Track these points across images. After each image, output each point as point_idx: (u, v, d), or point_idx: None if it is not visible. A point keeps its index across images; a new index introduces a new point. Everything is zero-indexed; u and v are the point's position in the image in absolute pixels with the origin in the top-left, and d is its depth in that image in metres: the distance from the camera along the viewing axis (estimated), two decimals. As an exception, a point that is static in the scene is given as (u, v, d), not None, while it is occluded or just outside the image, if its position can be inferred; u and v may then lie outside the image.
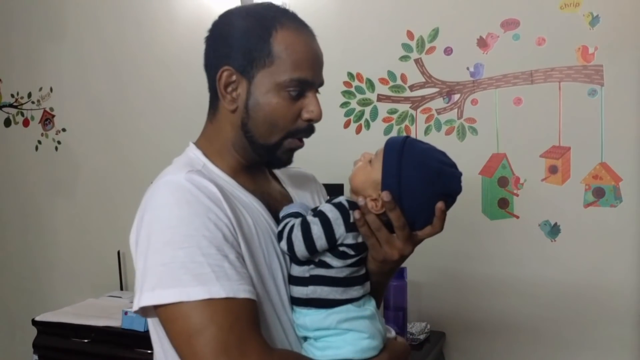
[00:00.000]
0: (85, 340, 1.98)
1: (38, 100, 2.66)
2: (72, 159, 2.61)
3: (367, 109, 2.06)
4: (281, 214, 0.96)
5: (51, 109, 2.64)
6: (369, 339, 0.90)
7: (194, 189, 0.85)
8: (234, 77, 0.93)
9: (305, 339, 0.94)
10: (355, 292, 0.92)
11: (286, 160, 0.98)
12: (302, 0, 2.12)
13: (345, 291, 0.91)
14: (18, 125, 2.71)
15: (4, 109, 2.74)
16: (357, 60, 2.07)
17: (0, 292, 2.79)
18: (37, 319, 2.07)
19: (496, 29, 1.88)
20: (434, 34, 1.96)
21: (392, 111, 2.02)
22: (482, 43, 1.90)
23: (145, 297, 0.83)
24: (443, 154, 0.94)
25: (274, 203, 0.99)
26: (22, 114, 2.70)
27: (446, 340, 1.95)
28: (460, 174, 0.93)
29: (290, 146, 0.95)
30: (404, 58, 2.00)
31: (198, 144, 1.00)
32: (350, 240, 0.90)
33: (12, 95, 2.71)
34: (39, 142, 2.67)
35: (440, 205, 0.89)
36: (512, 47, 1.86)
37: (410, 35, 1.99)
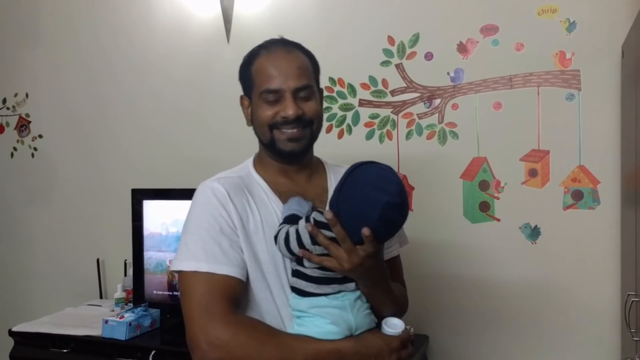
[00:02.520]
0: (65, 351, 1.94)
1: (13, 106, 2.62)
2: (48, 166, 2.57)
3: (349, 114, 2.07)
4: (281, 214, 1.15)
5: (27, 115, 2.60)
6: (332, 325, 1.06)
7: (210, 193, 1.15)
8: (246, 101, 1.24)
9: (296, 317, 1.12)
10: (330, 289, 1.07)
11: (290, 150, 1.18)
12: (285, 7, 2.12)
13: (319, 287, 1.07)
14: (-7, 131, 2.66)
15: (-23, 115, 2.69)
16: (338, 65, 2.07)
17: (-26, 302, 2.72)
18: (14, 329, 2.02)
19: (476, 35, 1.90)
20: (415, 39, 1.97)
21: (374, 116, 2.03)
22: (462, 48, 1.92)
23: (172, 264, 1.15)
24: (391, 182, 1.01)
25: (307, 197, 1.20)
26: (-3, 120, 2.65)
27: (429, 343, 1.96)
28: (398, 203, 1.00)
29: (281, 137, 1.17)
30: (385, 63, 2.01)
31: (256, 153, 1.28)
32: (318, 251, 1.06)
33: (-13, 101, 2.66)
34: (15, 148, 2.63)
35: (364, 230, 1.00)
36: (492, 53, 1.89)
37: (391, 40, 2.00)
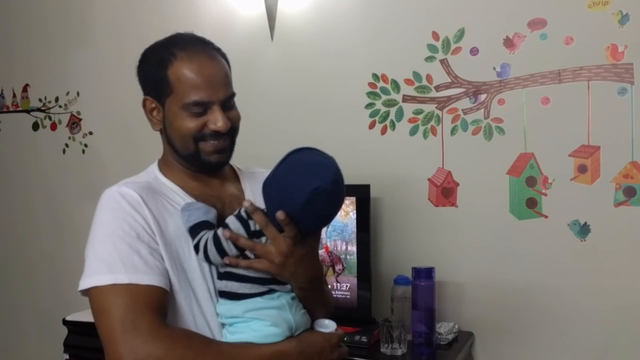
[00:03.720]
0: (115, 340, 2.00)
1: (65, 104, 2.71)
2: (98, 162, 2.65)
3: (393, 110, 2.06)
4: (186, 223, 1.06)
5: (78, 113, 2.68)
6: (272, 327, 1.03)
7: (119, 198, 1.06)
8: (153, 104, 1.15)
9: (224, 325, 1.07)
10: (265, 288, 1.04)
11: (216, 161, 1.13)
12: (328, 3, 2.13)
13: (253, 286, 1.04)
14: (46, 129, 2.75)
15: (32, 113, 2.79)
16: (382, 61, 2.07)
17: (31, 292, 2.83)
18: (68, 318, 2.10)
19: (523, 29, 1.87)
20: (460, 34, 1.95)
21: (418, 112, 2.02)
22: (509, 43, 1.90)
23: (80, 283, 1.04)
24: (326, 169, 0.99)
25: (221, 206, 1.15)
26: (50, 118, 2.74)
27: (475, 340, 1.94)
28: (329, 191, 0.97)
29: (207, 149, 1.10)
30: (429, 59, 2.00)
31: (160, 159, 1.22)
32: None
33: (40, 100, 2.76)
34: (67, 145, 2.71)
35: (278, 214, 0.98)
36: (540, 47, 1.85)
37: (435, 36, 1.99)
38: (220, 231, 1.03)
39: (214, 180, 1.18)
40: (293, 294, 1.08)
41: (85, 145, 2.67)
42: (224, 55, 1.15)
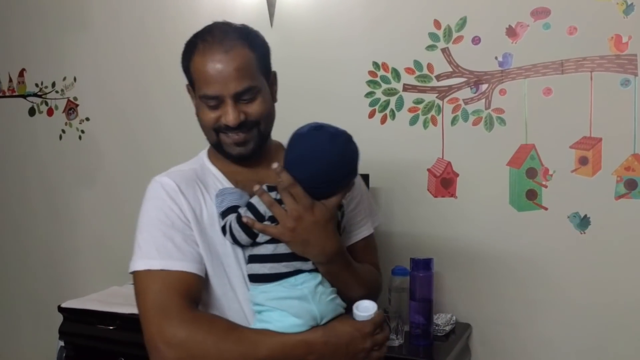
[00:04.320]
0: (111, 327, 2.00)
1: (62, 90, 2.68)
2: (95, 148, 2.63)
3: (393, 99, 2.04)
4: (218, 208, 1.10)
5: (75, 99, 2.65)
6: (294, 317, 1.01)
7: (158, 187, 1.12)
8: (190, 92, 1.19)
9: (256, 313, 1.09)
10: (284, 267, 1.04)
11: (237, 154, 1.14)
12: (328, -11, 2.10)
13: (272, 266, 1.04)
14: (42, 114, 2.73)
15: (28, 98, 2.76)
16: (382, 49, 2.05)
17: (26, 279, 2.82)
18: (63, 305, 2.08)
19: (526, 18, 1.85)
20: (462, 23, 1.93)
21: (418, 101, 2.00)
22: (511, 32, 1.87)
23: (129, 267, 1.10)
24: (344, 140, 1.06)
25: None
26: (47, 104, 2.72)
27: (472, 332, 1.94)
28: (340, 154, 1.04)
29: (227, 141, 1.12)
30: (430, 47, 1.98)
31: (210, 145, 1.21)
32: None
33: (37, 85, 2.73)
34: (63, 131, 2.69)
35: (273, 165, 1.04)
36: (543, 37, 1.83)
37: (437, 24, 1.96)
38: (242, 210, 1.06)
39: (259, 164, 1.18)
40: (318, 279, 1.06)
41: (82, 132, 2.65)
42: (250, 40, 1.11)
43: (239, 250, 1.09)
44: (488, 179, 1.92)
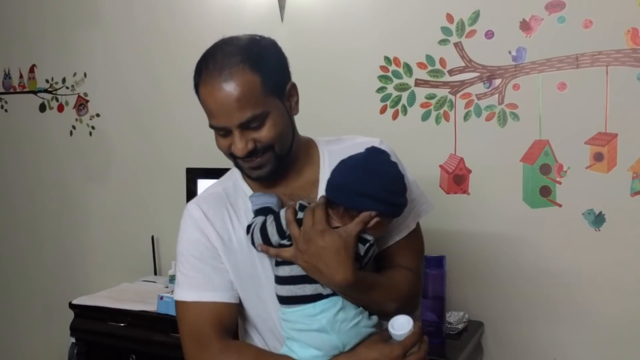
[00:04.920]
0: (122, 324, 2.00)
1: (72, 86, 2.68)
2: (105, 144, 2.63)
3: (404, 94, 2.02)
4: (254, 206, 1.10)
5: (85, 95, 2.65)
6: (314, 349, 1.00)
7: (187, 218, 1.15)
8: None
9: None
10: (299, 290, 1.01)
11: (256, 177, 1.12)
12: (339, -17, 2.08)
13: (290, 289, 1.02)
14: (53, 110, 2.73)
15: (39, 94, 2.76)
16: (394, 44, 2.02)
17: (37, 276, 2.83)
18: (74, 302, 2.09)
19: (540, 12, 1.81)
20: (475, 17, 1.90)
21: (431, 96, 1.98)
22: (525, 26, 1.84)
23: None
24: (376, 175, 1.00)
25: (294, 200, 1.11)
26: (57, 99, 2.72)
27: (485, 330, 1.92)
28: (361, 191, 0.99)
29: (245, 165, 1.10)
30: (443, 42, 1.95)
31: None
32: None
33: (47, 81, 2.73)
34: (74, 127, 2.69)
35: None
36: (557, 30, 1.80)
37: (449, 18, 1.93)
38: (270, 219, 1.05)
39: (290, 172, 1.15)
40: (339, 305, 1.00)
41: (93, 127, 2.65)
42: (254, 61, 1.03)
43: (269, 270, 1.09)
44: (501, 175, 1.89)
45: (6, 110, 2.87)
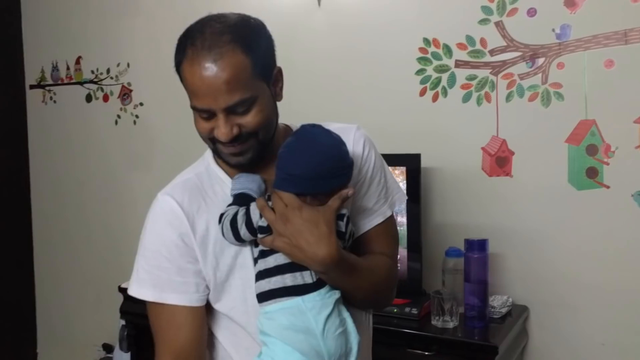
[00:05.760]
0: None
1: (116, 76, 2.74)
2: (149, 133, 2.69)
3: (444, 76, 1.99)
4: (231, 190, 1.05)
5: (129, 84, 2.71)
6: (298, 353, 0.94)
7: (159, 211, 1.07)
8: None
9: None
10: (289, 280, 0.96)
11: (235, 163, 1.05)
12: (376, -35, 2.06)
13: (277, 281, 0.97)
14: (98, 100, 2.81)
15: (85, 85, 2.84)
16: (433, 25, 1.99)
17: (86, 260, 2.93)
18: (123, 285, 2.15)
19: (586, -14, 1.76)
20: (517, -6, 1.85)
21: (471, 77, 1.94)
22: (570, 2, 1.78)
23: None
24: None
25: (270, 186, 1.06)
26: (102, 90, 2.79)
27: (529, 314, 1.89)
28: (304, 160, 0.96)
29: (224, 151, 1.03)
30: (483, 21, 1.91)
31: None
32: (264, 222, 0.98)
33: (92, 72, 2.81)
34: (118, 116, 2.76)
35: None
36: (604, 5, 1.74)
37: (490, -4, 1.89)
38: (241, 212, 1.00)
39: (268, 159, 1.07)
40: (329, 309, 0.96)
41: (137, 116, 2.71)
42: (244, 42, 0.97)
43: (249, 259, 1.04)
44: (545, 156, 1.85)
45: (55, 102, 2.96)
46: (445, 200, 2.00)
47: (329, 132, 0.99)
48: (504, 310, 1.78)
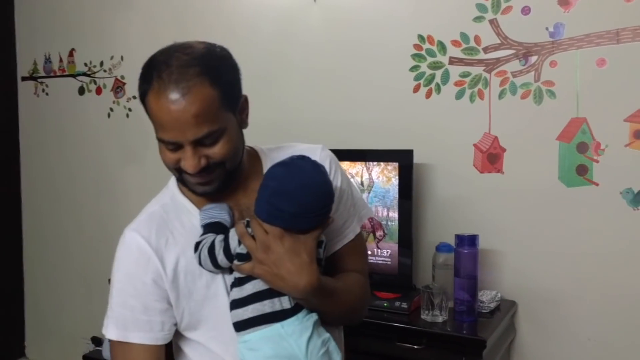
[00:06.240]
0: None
1: (110, 69, 2.73)
2: (142, 126, 2.67)
3: (438, 73, 2.00)
4: (201, 220, 1.04)
5: (122, 77, 2.71)
6: None
7: (126, 249, 1.06)
8: None
9: None
10: (268, 307, 0.96)
11: (202, 192, 1.05)
12: (372, -39, 2.06)
13: (255, 308, 0.96)
14: (91, 93, 2.80)
15: (78, 77, 2.83)
16: (428, 22, 2.00)
17: (77, 253, 2.92)
18: (114, 278, 2.15)
19: (579, -14, 1.77)
20: (511, -8, 1.87)
21: (465, 74, 1.96)
22: (564, 1, 1.80)
23: None
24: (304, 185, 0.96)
25: (239, 214, 1.08)
26: (95, 82, 2.78)
27: (517, 309, 1.90)
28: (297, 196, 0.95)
29: (191, 180, 1.02)
30: (478, 19, 1.92)
31: None
32: (243, 250, 0.98)
33: (86, 64, 2.80)
34: (111, 109, 2.75)
35: None
36: (597, 5, 1.75)
37: (485, -6, 1.90)
38: (218, 239, 1.01)
39: (236, 185, 1.08)
40: (309, 331, 0.97)
41: (130, 110, 2.70)
42: (210, 72, 0.96)
43: (223, 287, 1.04)
44: (536, 153, 1.87)
45: (47, 94, 2.95)
46: (436, 196, 2.01)
47: (317, 166, 0.99)
48: (492, 305, 1.79)
